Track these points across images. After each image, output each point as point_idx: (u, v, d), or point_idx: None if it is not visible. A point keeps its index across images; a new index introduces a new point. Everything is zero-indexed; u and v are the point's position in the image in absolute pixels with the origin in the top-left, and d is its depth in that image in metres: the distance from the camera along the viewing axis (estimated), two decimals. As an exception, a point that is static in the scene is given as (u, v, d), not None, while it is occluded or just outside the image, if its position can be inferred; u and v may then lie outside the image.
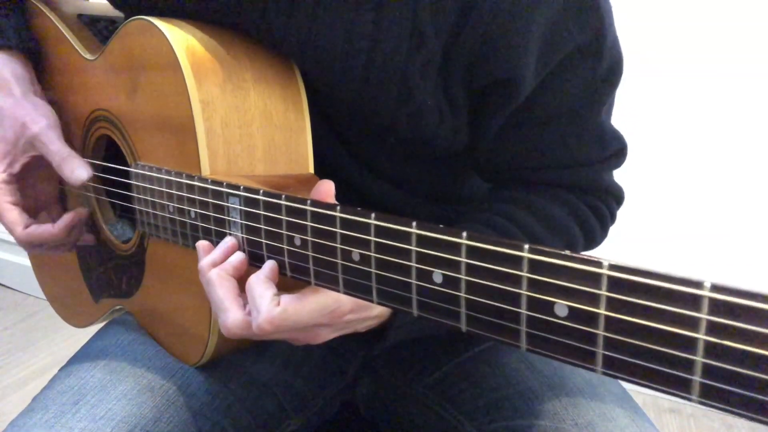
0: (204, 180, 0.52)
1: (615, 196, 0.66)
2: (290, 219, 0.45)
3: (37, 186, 0.70)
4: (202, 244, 0.52)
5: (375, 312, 0.51)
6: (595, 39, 0.56)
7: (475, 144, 0.63)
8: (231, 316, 0.47)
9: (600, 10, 0.55)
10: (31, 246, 0.67)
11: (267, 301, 0.46)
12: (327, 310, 0.47)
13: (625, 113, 0.69)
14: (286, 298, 0.46)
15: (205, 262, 0.50)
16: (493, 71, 0.55)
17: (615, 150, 0.63)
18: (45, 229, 0.66)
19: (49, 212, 0.72)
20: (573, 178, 0.62)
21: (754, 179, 1.39)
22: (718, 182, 1.42)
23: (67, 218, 0.67)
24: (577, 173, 0.62)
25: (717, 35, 1.32)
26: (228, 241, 0.51)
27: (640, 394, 1.59)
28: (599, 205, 0.64)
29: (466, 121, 0.61)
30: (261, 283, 0.47)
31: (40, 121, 0.64)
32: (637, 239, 1.41)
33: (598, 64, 0.57)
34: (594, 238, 0.64)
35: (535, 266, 0.31)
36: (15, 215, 0.65)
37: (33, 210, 0.69)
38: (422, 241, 0.36)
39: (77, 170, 0.63)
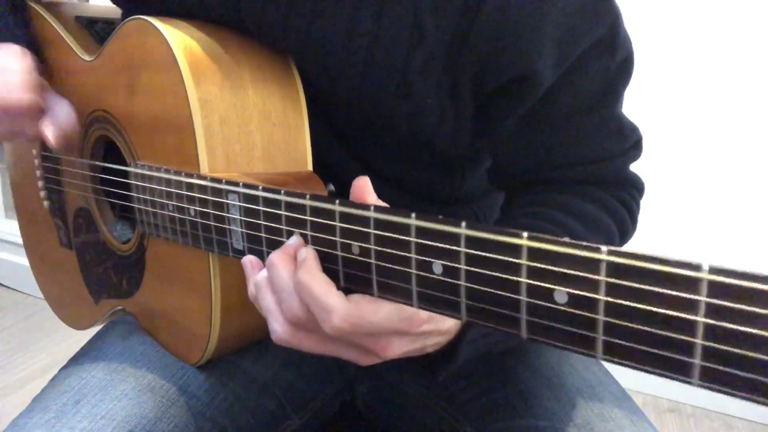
0: (203, 178, 0.52)
1: (637, 188, 0.64)
2: (289, 214, 0.45)
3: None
4: (250, 259, 0.47)
5: (446, 325, 0.46)
6: (610, 31, 0.56)
7: (494, 148, 0.62)
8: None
9: (613, 2, 0.55)
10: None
11: (337, 298, 0.40)
12: (405, 314, 0.41)
13: (628, 110, 0.69)
14: (356, 296, 0.41)
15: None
16: (507, 69, 0.54)
17: (634, 141, 0.62)
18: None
19: None
20: (598, 173, 0.61)
21: (754, 174, 1.40)
22: (719, 178, 1.42)
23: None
24: (602, 168, 0.61)
25: (719, 31, 1.33)
26: (295, 240, 0.45)
27: (640, 394, 1.59)
28: (626, 198, 0.62)
29: (470, 124, 0.61)
30: (318, 277, 0.41)
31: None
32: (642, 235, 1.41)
33: (613, 57, 0.57)
34: (627, 232, 0.63)
35: (534, 254, 0.31)
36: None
37: None
38: (421, 232, 0.36)
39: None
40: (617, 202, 0.61)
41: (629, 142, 0.62)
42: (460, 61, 0.55)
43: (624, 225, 0.62)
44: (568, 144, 0.60)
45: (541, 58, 0.54)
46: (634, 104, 0.67)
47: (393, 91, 0.57)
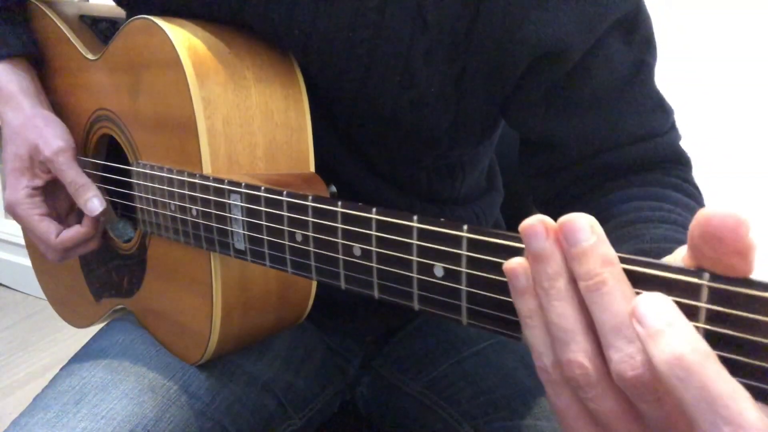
0: (205, 177, 0.52)
1: (689, 165, 0.61)
2: (292, 215, 0.45)
3: (59, 196, 0.69)
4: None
5: None
6: (635, 8, 0.55)
7: (543, 135, 0.59)
8: None
9: None
10: (66, 251, 0.67)
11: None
12: None
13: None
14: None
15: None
16: (528, 43, 0.53)
17: (673, 119, 0.60)
18: (75, 231, 0.66)
19: (70, 219, 0.72)
20: (653, 151, 0.58)
21: (754, 178, 1.39)
22: (720, 178, 1.42)
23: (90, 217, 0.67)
24: (656, 144, 0.58)
25: (721, 32, 1.33)
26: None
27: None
28: (689, 177, 0.59)
29: (476, 119, 0.61)
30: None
31: (52, 144, 0.64)
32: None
33: (638, 32, 0.56)
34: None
35: (535, 258, 0.31)
36: (46, 225, 0.66)
37: (59, 219, 0.69)
38: (423, 234, 0.36)
39: (90, 201, 0.64)
40: (682, 181, 0.58)
41: (671, 118, 0.60)
42: (468, 50, 0.55)
43: (699, 201, 0.58)
44: (617, 121, 0.57)
45: (562, 27, 0.52)
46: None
47: (397, 81, 0.57)
